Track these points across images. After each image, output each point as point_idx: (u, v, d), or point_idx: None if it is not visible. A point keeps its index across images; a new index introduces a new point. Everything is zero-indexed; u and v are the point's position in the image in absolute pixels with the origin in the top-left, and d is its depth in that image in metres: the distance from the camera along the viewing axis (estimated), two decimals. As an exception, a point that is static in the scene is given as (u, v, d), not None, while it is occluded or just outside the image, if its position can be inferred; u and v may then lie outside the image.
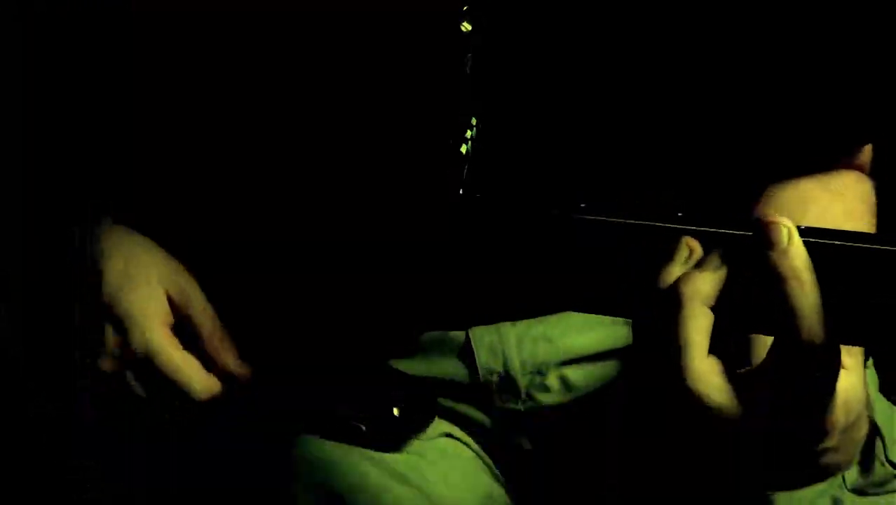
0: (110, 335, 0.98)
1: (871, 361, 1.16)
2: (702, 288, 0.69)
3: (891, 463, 1.08)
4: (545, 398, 1.10)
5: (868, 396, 0.78)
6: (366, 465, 1.04)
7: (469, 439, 1.12)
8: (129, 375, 0.99)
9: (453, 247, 0.80)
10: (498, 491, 1.12)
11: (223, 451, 1.06)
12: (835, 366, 0.69)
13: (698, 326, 0.69)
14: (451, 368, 1.10)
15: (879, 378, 1.16)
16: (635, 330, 0.72)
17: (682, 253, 0.71)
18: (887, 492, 1.08)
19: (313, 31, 0.94)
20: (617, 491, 1.08)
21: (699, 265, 0.70)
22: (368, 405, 1.04)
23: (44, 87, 0.96)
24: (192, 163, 1.02)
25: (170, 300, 1.01)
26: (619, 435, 1.06)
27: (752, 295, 0.69)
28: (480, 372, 1.09)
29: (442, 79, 0.93)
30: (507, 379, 1.09)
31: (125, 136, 0.99)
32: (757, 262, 0.68)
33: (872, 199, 1.06)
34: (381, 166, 0.95)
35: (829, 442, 0.72)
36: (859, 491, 1.07)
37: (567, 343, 1.09)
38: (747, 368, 0.71)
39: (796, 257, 0.68)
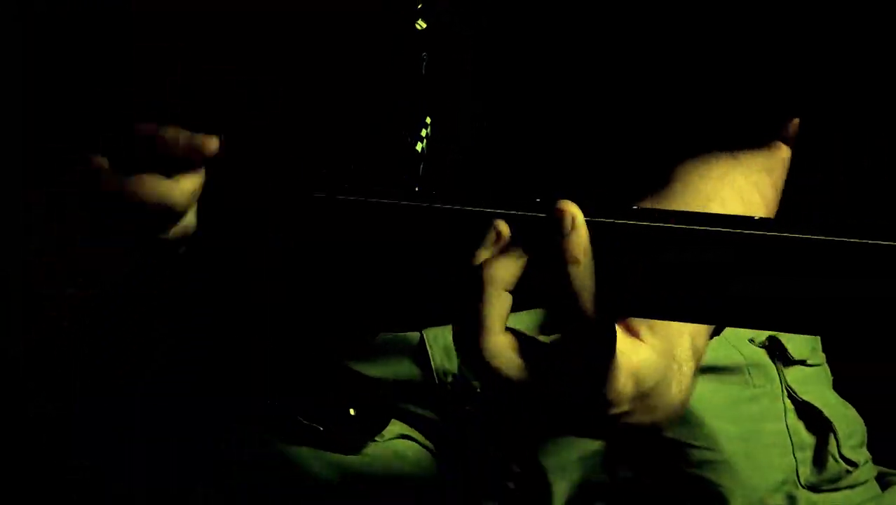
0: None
1: (823, 358, 1.17)
2: (500, 274, 0.74)
3: (844, 459, 1.09)
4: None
5: (680, 363, 0.83)
6: (323, 466, 1.04)
7: (425, 441, 1.12)
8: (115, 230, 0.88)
9: (412, 246, 0.80)
10: (451, 491, 1.11)
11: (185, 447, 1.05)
12: (607, 341, 0.75)
13: (495, 307, 0.73)
14: (405, 369, 1.10)
15: (833, 375, 1.17)
16: (447, 311, 0.77)
17: (490, 236, 0.75)
18: (840, 488, 1.09)
19: (272, 28, 0.93)
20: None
21: (505, 250, 0.75)
22: (325, 406, 1.04)
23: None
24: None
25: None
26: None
27: (546, 274, 0.73)
28: (435, 373, 1.09)
29: (397, 77, 0.93)
30: (462, 380, 1.09)
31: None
32: (547, 245, 0.73)
33: (780, 168, 1.08)
34: (339, 164, 0.94)
35: (620, 409, 0.77)
36: (813, 487, 1.07)
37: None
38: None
39: (576, 242, 0.72)
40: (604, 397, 0.76)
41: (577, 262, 0.72)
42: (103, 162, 0.84)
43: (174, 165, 0.84)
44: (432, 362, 1.09)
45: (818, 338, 1.17)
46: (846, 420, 1.11)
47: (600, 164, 1.02)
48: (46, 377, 1.02)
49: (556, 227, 0.73)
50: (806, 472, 1.08)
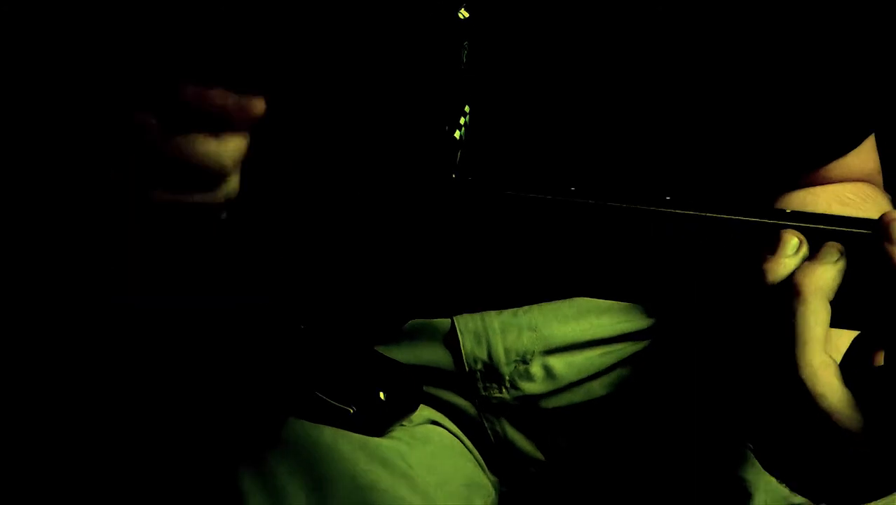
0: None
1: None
2: (824, 280, 0.68)
3: None
4: (529, 387, 1.11)
5: None
6: (350, 448, 1.05)
7: (453, 427, 1.13)
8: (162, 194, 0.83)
9: (445, 232, 0.81)
10: (481, 478, 1.13)
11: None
12: None
13: (820, 319, 0.67)
14: (436, 355, 1.11)
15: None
16: (737, 322, 0.70)
17: (790, 245, 0.70)
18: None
19: (310, 15, 0.94)
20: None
21: (819, 259, 0.69)
22: (355, 388, 1.04)
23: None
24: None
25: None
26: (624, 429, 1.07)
27: (867, 292, 0.68)
28: (465, 359, 1.10)
29: (437, 65, 0.94)
30: (491, 367, 1.10)
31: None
32: (876, 257, 0.67)
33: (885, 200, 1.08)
34: (376, 151, 0.95)
35: None
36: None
37: (551, 332, 1.10)
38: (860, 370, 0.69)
39: None
40: None
41: None
42: (151, 119, 0.79)
43: (221, 126, 0.80)
44: (462, 349, 1.10)
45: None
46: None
47: (642, 159, 1.03)
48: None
49: (887, 238, 0.68)
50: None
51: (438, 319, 1.11)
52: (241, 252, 0.94)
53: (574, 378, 1.10)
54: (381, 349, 1.10)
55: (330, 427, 1.05)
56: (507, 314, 1.10)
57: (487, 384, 1.11)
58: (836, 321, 0.68)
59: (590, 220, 0.74)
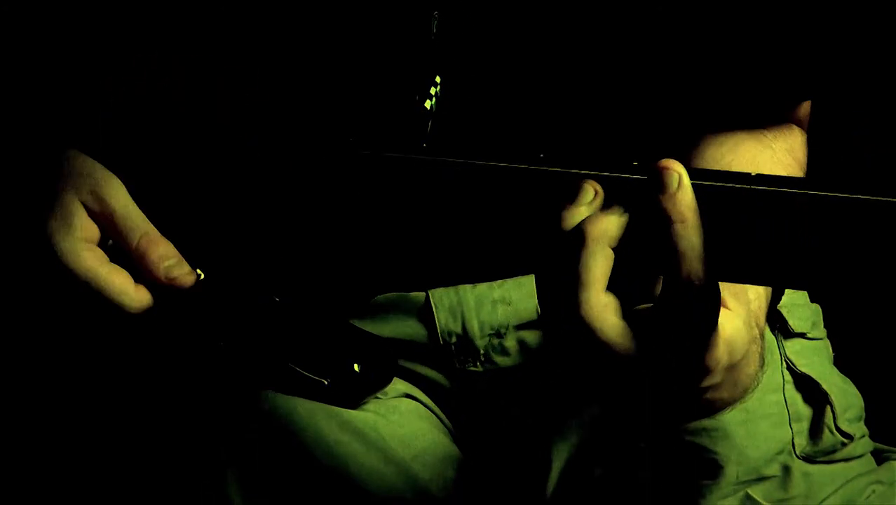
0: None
1: (825, 333, 1.18)
2: (608, 228, 0.72)
3: (839, 431, 1.09)
4: (503, 360, 1.11)
5: (756, 338, 0.82)
6: (325, 420, 1.05)
7: (428, 400, 1.14)
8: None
9: (420, 204, 0.81)
10: (455, 452, 1.13)
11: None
12: (714, 305, 0.72)
13: (599, 263, 0.72)
14: (410, 328, 1.12)
15: (834, 351, 1.18)
16: (537, 269, 0.75)
17: (587, 195, 0.74)
18: (835, 460, 1.10)
19: None
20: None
21: (603, 208, 0.73)
22: (329, 360, 1.05)
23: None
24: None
25: (91, 212, 0.92)
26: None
27: (647, 237, 0.72)
28: (440, 333, 1.11)
29: (407, 36, 0.95)
30: (466, 341, 1.10)
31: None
32: (650, 205, 0.71)
33: (801, 151, 1.10)
34: (349, 119, 0.96)
35: (712, 379, 0.75)
36: (809, 458, 1.08)
37: (525, 306, 1.10)
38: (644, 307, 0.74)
39: (683, 201, 0.71)
40: (702, 365, 0.74)
41: (684, 221, 0.71)
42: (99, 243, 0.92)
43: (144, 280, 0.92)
44: (437, 323, 1.11)
45: (819, 312, 1.19)
46: (843, 393, 1.12)
47: (616, 131, 1.03)
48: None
49: (659, 185, 0.71)
50: (802, 443, 1.08)
51: (413, 293, 1.11)
52: (214, 226, 0.95)
53: (549, 352, 1.11)
54: (355, 322, 1.10)
55: (304, 399, 1.06)
56: (481, 288, 1.10)
57: (462, 358, 1.11)
58: (624, 266, 0.73)
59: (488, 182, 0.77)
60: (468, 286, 1.10)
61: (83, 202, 0.91)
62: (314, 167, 0.85)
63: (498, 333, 1.10)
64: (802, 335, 1.14)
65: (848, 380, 1.15)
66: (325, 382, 1.05)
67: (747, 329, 0.78)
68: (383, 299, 1.12)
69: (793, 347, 1.13)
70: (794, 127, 1.12)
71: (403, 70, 0.94)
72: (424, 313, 1.11)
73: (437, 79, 0.94)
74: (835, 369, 1.16)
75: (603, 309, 0.72)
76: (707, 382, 0.75)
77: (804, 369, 1.11)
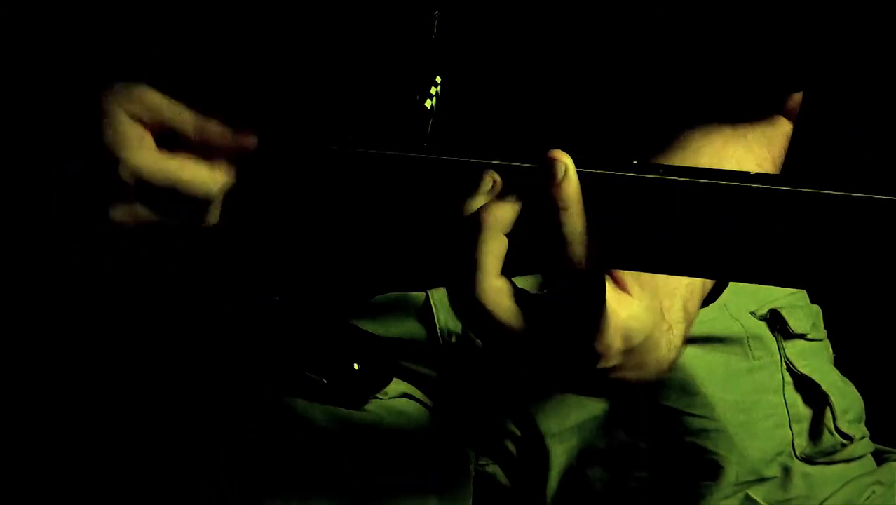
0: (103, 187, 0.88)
1: (825, 334, 1.18)
2: (502, 216, 0.75)
3: (839, 432, 1.10)
4: (503, 360, 1.11)
5: (670, 323, 0.85)
6: (324, 420, 1.05)
7: (428, 400, 1.14)
8: (143, 211, 0.89)
9: (420, 204, 0.82)
10: (454, 452, 1.13)
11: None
12: (598, 290, 0.76)
13: (492, 248, 0.75)
14: (410, 328, 1.12)
15: (834, 352, 1.18)
16: (440, 254, 0.78)
17: (486, 185, 0.77)
18: (835, 461, 1.10)
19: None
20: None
21: (500, 196, 0.76)
22: (329, 360, 1.05)
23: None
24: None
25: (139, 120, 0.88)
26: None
27: (538, 224, 0.75)
28: (440, 333, 1.11)
29: (408, 36, 0.95)
30: (466, 340, 1.10)
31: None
32: (540, 193, 0.74)
33: (781, 142, 1.10)
34: (350, 119, 0.96)
35: (608, 363, 0.78)
36: (808, 459, 1.08)
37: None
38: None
39: (567, 189, 0.74)
40: (592, 350, 0.77)
41: (567, 208, 0.74)
42: (148, 138, 0.87)
43: (214, 155, 0.87)
44: (437, 322, 1.11)
45: (819, 313, 1.19)
46: (843, 395, 1.12)
47: (606, 126, 1.03)
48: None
49: (548, 175, 0.74)
50: (801, 444, 1.09)
51: (413, 293, 1.11)
52: (215, 227, 0.95)
53: None
54: (355, 322, 1.10)
55: (303, 399, 1.06)
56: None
57: (462, 358, 1.11)
58: (519, 251, 0.76)
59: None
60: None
61: (128, 112, 0.87)
62: (308, 166, 0.85)
63: (498, 333, 1.10)
64: (802, 336, 1.14)
65: (848, 381, 1.15)
66: (325, 382, 1.05)
67: (649, 315, 0.81)
68: (383, 299, 1.11)
69: (793, 348, 1.13)
70: (780, 118, 1.11)
71: (404, 70, 0.94)
72: (424, 313, 1.11)
73: (438, 79, 0.94)
74: (835, 370, 1.16)
75: (496, 292, 0.75)
76: (602, 365, 0.78)
77: (804, 370, 1.12)
